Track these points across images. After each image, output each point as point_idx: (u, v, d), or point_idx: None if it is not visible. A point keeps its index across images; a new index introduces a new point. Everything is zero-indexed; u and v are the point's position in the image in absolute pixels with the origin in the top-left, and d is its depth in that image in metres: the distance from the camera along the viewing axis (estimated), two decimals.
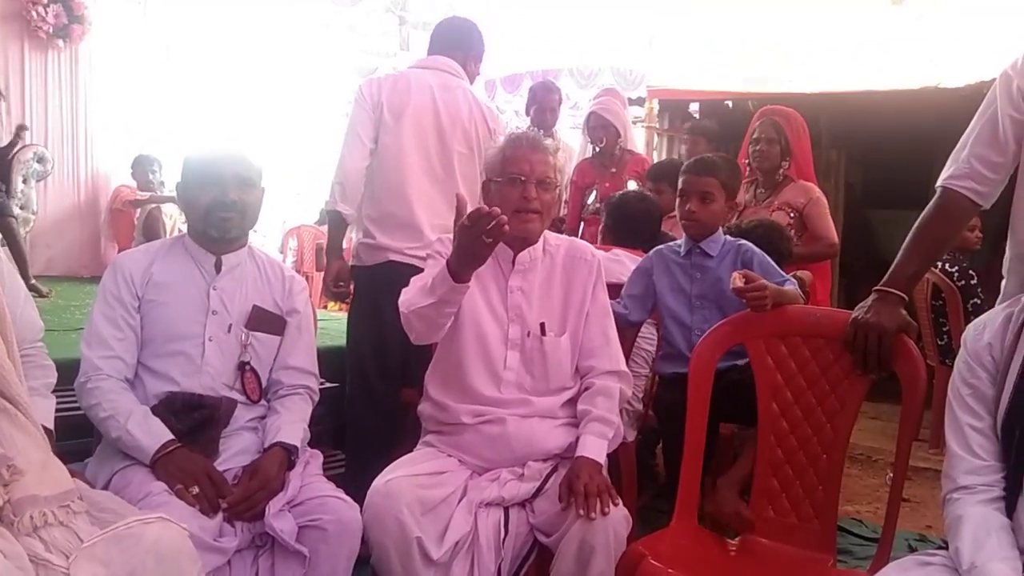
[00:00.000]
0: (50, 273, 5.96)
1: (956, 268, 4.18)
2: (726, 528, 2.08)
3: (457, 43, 2.94)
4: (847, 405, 1.95)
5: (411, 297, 1.89)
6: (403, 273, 2.36)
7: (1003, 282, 1.91)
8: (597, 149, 4.18)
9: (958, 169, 1.85)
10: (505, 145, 2.03)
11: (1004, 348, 1.48)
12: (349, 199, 2.74)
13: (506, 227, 1.69)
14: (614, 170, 4.09)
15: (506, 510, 1.89)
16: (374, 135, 2.76)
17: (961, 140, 1.87)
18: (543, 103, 4.29)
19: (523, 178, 1.96)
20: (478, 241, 1.70)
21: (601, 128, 4.11)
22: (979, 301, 4.08)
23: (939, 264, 4.17)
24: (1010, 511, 1.41)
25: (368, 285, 2.79)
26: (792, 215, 3.47)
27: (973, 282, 4.14)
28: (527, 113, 4.39)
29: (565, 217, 4.23)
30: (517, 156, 1.99)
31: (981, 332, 1.52)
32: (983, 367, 1.49)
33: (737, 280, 2.05)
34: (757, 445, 2.06)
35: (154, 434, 1.79)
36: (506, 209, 1.94)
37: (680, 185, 2.49)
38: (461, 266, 1.77)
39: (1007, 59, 1.83)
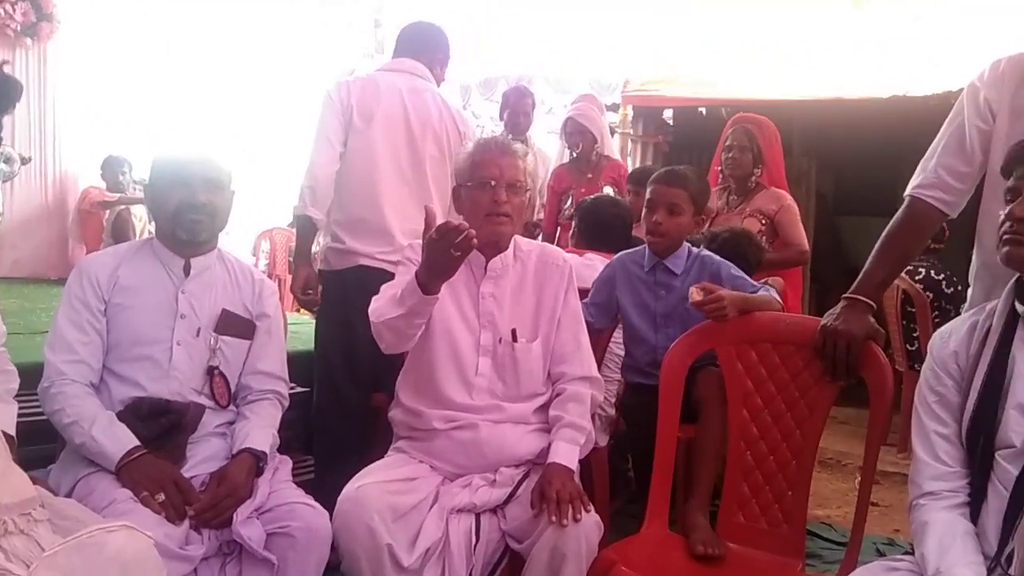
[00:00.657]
0: (16, 275, 5.86)
1: (943, 275, 4.21)
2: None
3: (423, 46, 2.92)
4: (816, 411, 1.96)
5: (380, 307, 1.88)
6: (374, 278, 2.35)
7: (969, 290, 1.94)
8: (574, 155, 4.20)
9: (926, 179, 1.87)
10: (474, 150, 2.03)
11: (969, 356, 1.50)
12: (319, 203, 2.71)
13: (474, 240, 1.69)
14: (590, 175, 4.11)
15: (478, 516, 1.88)
16: (344, 138, 2.73)
17: (929, 150, 1.90)
18: (516, 107, 4.31)
19: (493, 182, 1.96)
20: (446, 255, 1.70)
21: (578, 134, 4.13)
22: None
23: (923, 271, 4.21)
24: (975, 517, 1.43)
25: (337, 290, 2.76)
26: (764, 222, 3.50)
27: (960, 288, 4.15)
28: (500, 118, 4.40)
29: (539, 222, 4.24)
30: (486, 160, 1.98)
31: (947, 340, 1.54)
32: (949, 375, 1.51)
33: (695, 294, 2.08)
34: (705, 453, 2.11)
35: (119, 440, 1.76)
36: (477, 214, 1.95)
37: (648, 195, 2.45)
38: (430, 278, 1.76)
39: (974, 70, 1.86)
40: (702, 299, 2.06)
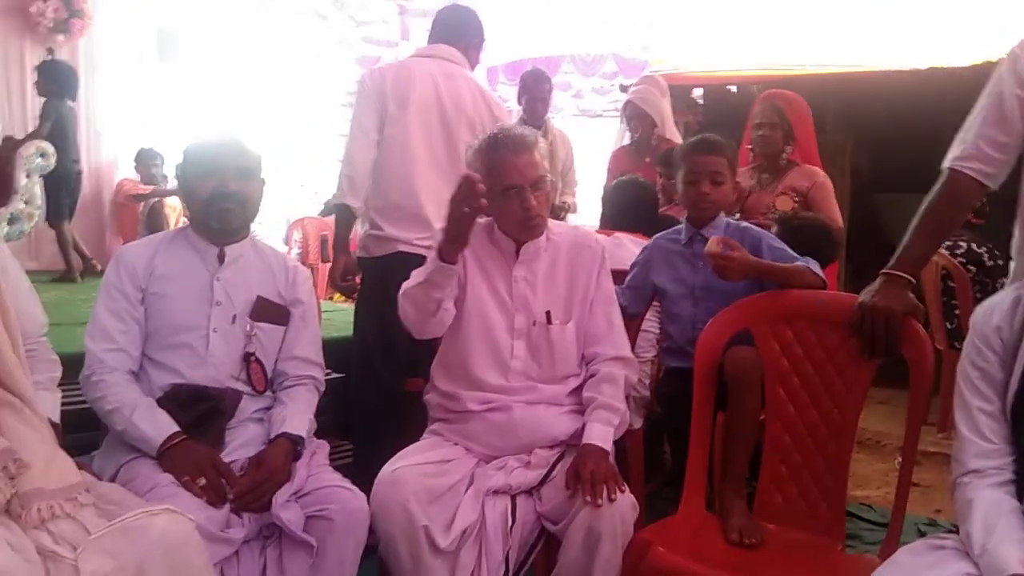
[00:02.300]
0: (56, 267, 5.96)
1: (984, 248, 4.12)
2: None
3: (458, 31, 2.91)
4: (854, 389, 1.94)
5: (408, 280, 1.91)
6: (412, 263, 2.34)
7: (1011, 263, 1.89)
8: (634, 138, 4.16)
9: (964, 150, 1.83)
10: (486, 149, 1.98)
11: (1013, 330, 1.46)
12: (358, 192, 2.72)
13: (483, 201, 1.70)
14: (648, 159, 4.04)
15: (513, 498, 1.89)
16: (379, 126, 2.73)
17: (967, 121, 1.85)
18: (534, 93, 4.26)
19: (516, 188, 1.95)
20: (459, 211, 1.72)
21: (636, 117, 4.08)
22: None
23: (964, 245, 4.12)
24: (1020, 494, 1.40)
25: (376, 275, 2.77)
26: (796, 199, 3.44)
27: (1001, 262, 4.06)
28: (518, 103, 4.36)
29: (564, 204, 4.22)
30: (504, 165, 1.94)
31: (990, 314, 1.51)
32: (992, 350, 1.48)
33: (713, 245, 2.07)
34: (736, 435, 2.06)
35: (160, 426, 1.79)
36: (510, 222, 1.98)
37: (689, 166, 2.37)
38: (446, 242, 1.78)
39: (1013, 38, 1.80)
40: (715, 251, 2.05)
